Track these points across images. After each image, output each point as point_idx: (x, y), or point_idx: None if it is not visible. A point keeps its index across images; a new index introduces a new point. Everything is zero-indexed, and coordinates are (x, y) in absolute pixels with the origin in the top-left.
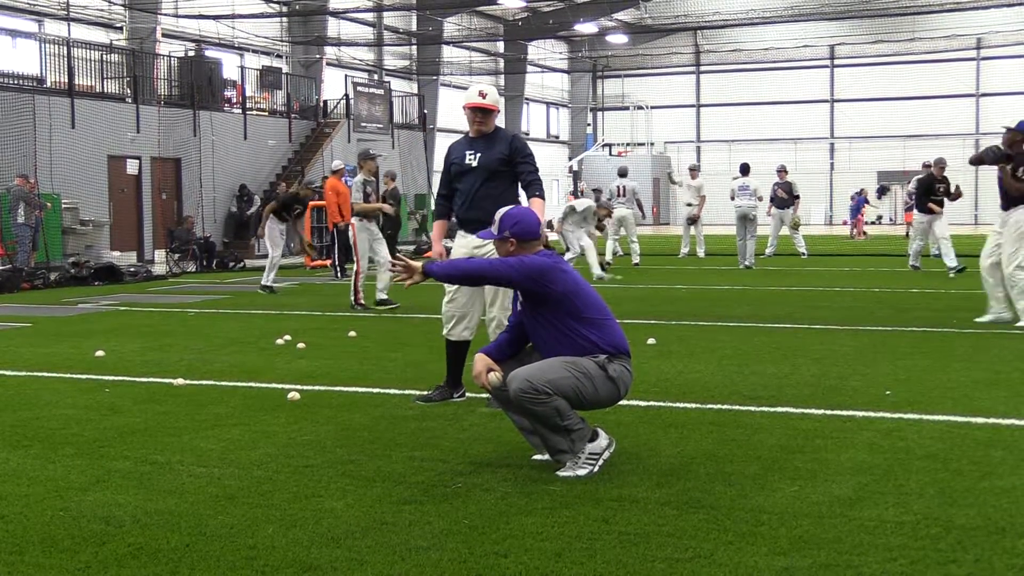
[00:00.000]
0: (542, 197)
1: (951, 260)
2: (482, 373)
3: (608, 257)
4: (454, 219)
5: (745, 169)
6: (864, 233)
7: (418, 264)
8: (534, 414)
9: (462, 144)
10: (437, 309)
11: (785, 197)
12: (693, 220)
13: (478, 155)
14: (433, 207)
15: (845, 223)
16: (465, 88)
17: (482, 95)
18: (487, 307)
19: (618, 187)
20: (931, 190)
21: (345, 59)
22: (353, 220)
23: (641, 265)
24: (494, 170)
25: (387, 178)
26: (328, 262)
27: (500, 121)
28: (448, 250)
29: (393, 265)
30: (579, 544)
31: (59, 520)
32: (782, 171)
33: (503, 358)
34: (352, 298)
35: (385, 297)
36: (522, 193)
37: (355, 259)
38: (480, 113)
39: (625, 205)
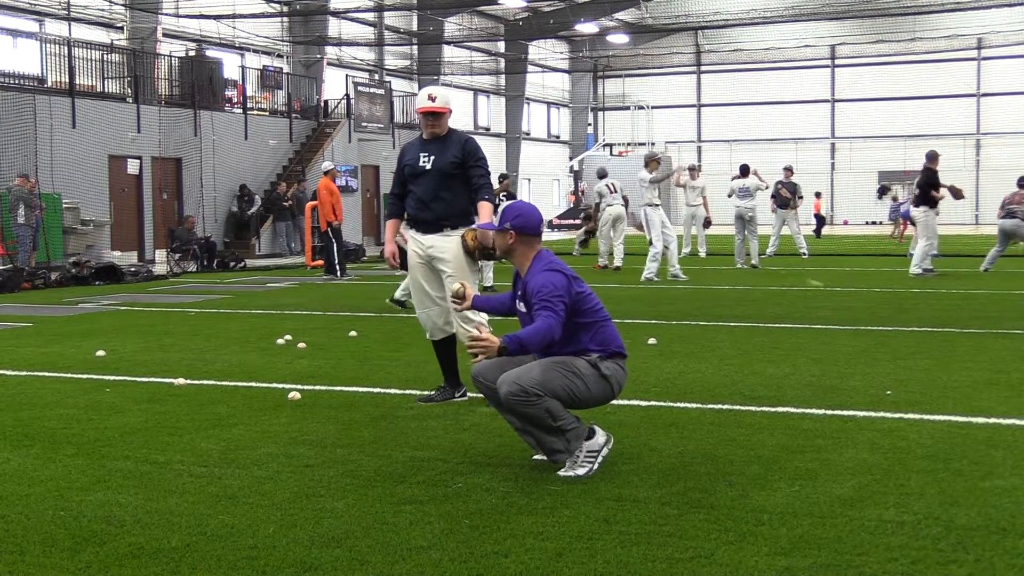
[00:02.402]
0: (491, 201)
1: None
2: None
3: (604, 260)
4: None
5: (745, 170)
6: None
7: (496, 342)
8: (526, 416)
9: (416, 146)
10: None
11: (788, 196)
12: (708, 223)
13: (432, 157)
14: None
15: (882, 223)
16: (467, 88)
17: (431, 98)
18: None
19: (607, 185)
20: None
21: (346, 59)
22: None
23: (622, 268)
24: (448, 173)
25: None
26: (323, 262)
27: (500, 121)
28: (403, 252)
29: (473, 341)
30: (580, 544)
31: (60, 520)
32: (787, 170)
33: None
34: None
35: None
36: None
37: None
38: (431, 116)
39: (619, 203)
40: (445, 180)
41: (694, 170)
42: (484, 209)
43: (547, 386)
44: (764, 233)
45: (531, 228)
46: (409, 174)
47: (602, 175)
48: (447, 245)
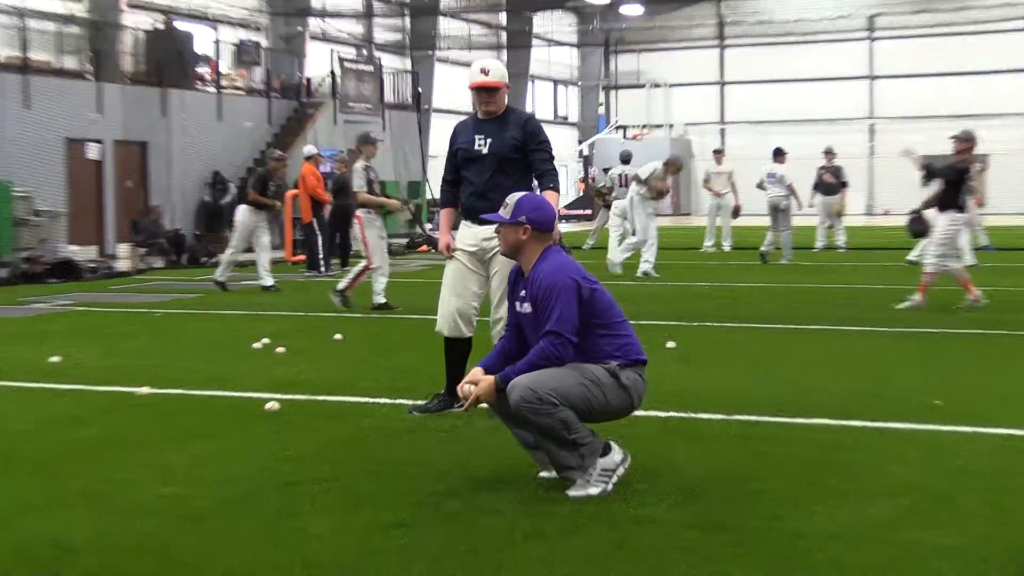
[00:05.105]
0: (557, 190)
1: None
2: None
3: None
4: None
5: (777, 153)
6: None
7: (488, 380)
8: (537, 426)
9: (470, 126)
10: (433, 310)
11: (833, 183)
12: (737, 212)
13: (488, 140)
14: (438, 194)
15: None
16: (464, 64)
17: (484, 71)
18: (493, 306)
19: (620, 175)
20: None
21: (331, 32)
22: (360, 213)
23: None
24: (506, 157)
25: (338, 163)
26: (304, 257)
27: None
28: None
29: (466, 398)
30: (591, 570)
31: (6, 545)
32: (829, 154)
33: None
34: (342, 284)
35: (383, 302)
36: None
37: (367, 256)
38: (485, 93)
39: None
40: (503, 165)
41: (720, 153)
42: (551, 199)
43: (562, 394)
44: (808, 224)
45: (547, 224)
46: (463, 159)
47: (624, 160)
48: None
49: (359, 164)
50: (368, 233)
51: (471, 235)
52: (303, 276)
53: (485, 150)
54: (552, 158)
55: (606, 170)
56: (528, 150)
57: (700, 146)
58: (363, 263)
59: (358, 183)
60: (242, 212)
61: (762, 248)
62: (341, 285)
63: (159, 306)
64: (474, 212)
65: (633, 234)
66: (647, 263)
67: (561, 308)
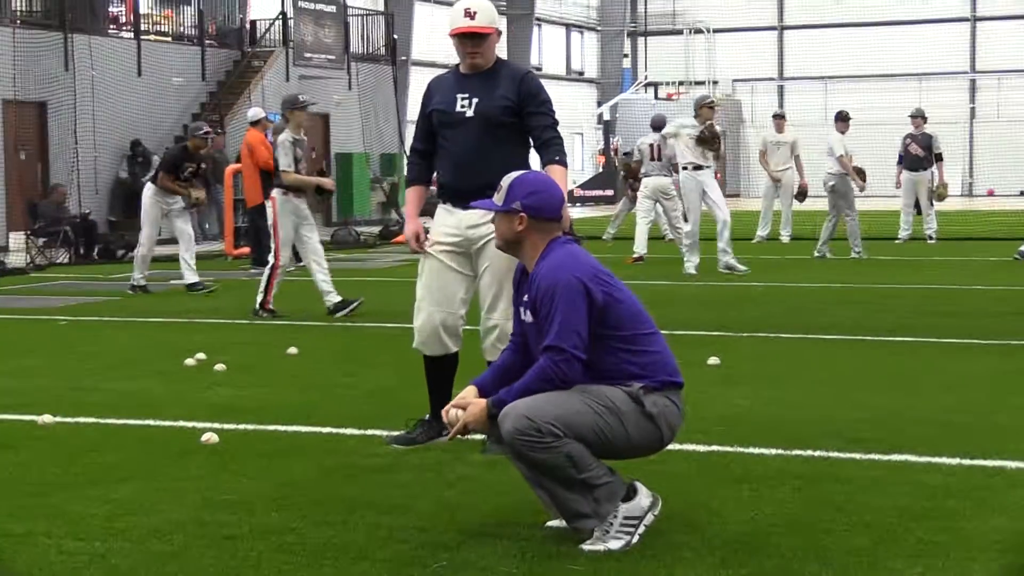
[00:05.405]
0: (563, 163)
1: None
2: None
3: (640, 248)
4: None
5: (838, 118)
6: None
7: (479, 405)
8: (538, 463)
9: (450, 83)
10: (411, 315)
11: (921, 155)
12: (803, 194)
13: (474, 100)
14: (406, 170)
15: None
16: (451, 4)
17: (470, 14)
18: (483, 312)
19: (651, 146)
20: None
21: None
22: (275, 194)
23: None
24: (497, 121)
25: (275, 131)
26: (249, 250)
27: (502, 50)
28: (426, 230)
29: (453, 428)
30: None
31: None
32: (917, 118)
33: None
34: (258, 300)
35: (339, 300)
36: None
37: (274, 248)
38: (470, 41)
39: (661, 171)
40: (493, 132)
41: (780, 119)
42: (557, 175)
43: (569, 422)
44: (888, 209)
45: (549, 210)
46: (440, 123)
47: (656, 126)
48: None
49: (285, 136)
50: (281, 220)
51: (452, 222)
52: (248, 273)
53: (469, 112)
54: (556, 124)
55: (627, 154)
56: (525, 114)
57: (752, 108)
58: (269, 265)
59: (284, 161)
60: (147, 195)
61: (816, 252)
62: (257, 303)
63: (63, 312)
64: (455, 193)
65: (685, 219)
66: (726, 253)
67: (562, 316)
